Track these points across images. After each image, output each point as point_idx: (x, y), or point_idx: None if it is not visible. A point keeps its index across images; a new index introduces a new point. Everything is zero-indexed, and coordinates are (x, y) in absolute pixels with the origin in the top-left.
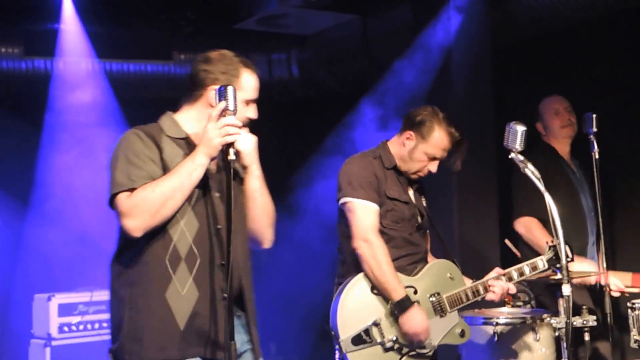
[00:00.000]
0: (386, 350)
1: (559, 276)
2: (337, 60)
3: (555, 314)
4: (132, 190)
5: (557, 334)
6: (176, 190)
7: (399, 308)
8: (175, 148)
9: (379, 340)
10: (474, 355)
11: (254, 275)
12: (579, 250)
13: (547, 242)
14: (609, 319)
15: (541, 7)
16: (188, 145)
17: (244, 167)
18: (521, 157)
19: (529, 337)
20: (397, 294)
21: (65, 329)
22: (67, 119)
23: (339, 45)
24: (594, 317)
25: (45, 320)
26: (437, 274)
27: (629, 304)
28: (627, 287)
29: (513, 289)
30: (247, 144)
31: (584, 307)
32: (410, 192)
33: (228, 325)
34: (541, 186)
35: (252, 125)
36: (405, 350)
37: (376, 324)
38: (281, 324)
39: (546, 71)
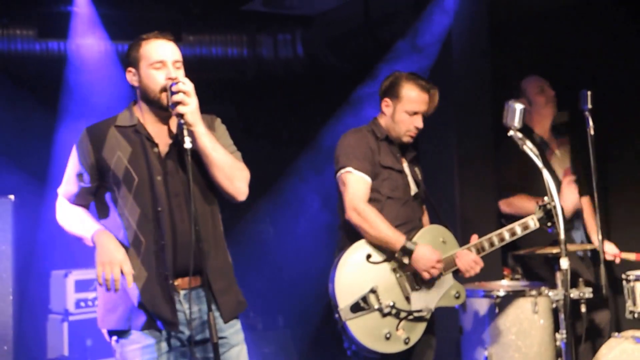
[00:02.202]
0: (384, 315)
1: (556, 250)
2: (340, 40)
3: (553, 286)
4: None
5: (554, 305)
6: (74, 236)
7: (406, 253)
8: (120, 141)
9: (376, 306)
10: (474, 327)
11: (261, 249)
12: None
13: (537, 202)
14: (604, 290)
15: None
16: (135, 132)
17: (191, 132)
18: (520, 135)
19: (528, 309)
20: (399, 243)
21: (82, 304)
22: (81, 99)
23: (343, 25)
24: (590, 290)
25: (63, 295)
26: (430, 239)
27: (623, 276)
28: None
29: (479, 261)
30: (188, 107)
31: (581, 279)
32: (405, 164)
33: (207, 298)
34: (539, 162)
35: (260, 103)
36: (403, 314)
37: (373, 291)
38: (288, 297)
39: (543, 49)
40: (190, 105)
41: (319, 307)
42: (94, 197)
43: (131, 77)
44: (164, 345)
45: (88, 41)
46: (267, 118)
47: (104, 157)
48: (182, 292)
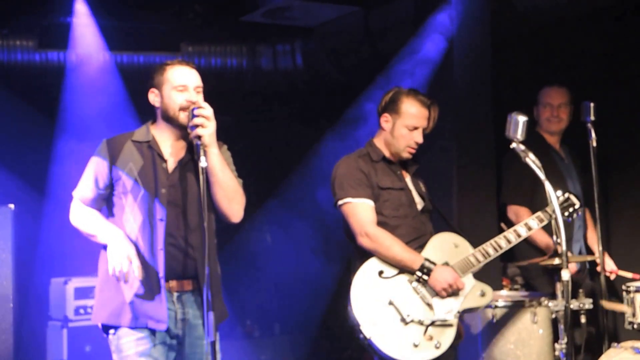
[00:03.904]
0: (407, 324)
1: (556, 261)
2: (340, 52)
3: (552, 296)
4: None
5: (554, 316)
6: (88, 236)
7: (424, 273)
8: (134, 154)
9: (398, 318)
10: (473, 337)
11: (258, 257)
12: (565, 233)
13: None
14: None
15: None
16: (149, 147)
17: (205, 151)
18: (522, 147)
19: (527, 319)
20: (417, 263)
21: (82, 311)
22: (80, 109)
23: (342, 36)
24: (590, 301)
25: (62, 303)
26: (442, 246)
27: (623, 287)
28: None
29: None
30: (207, 130)
31: (581, 290)
32: (407, 179)
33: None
34: (542, 175)
35: (259, 113)
36: (426, 322)
37: (391, 304)
38: (285, 305)
39: (545, 61)
40: (209, 128)
41: (316, 315)
42: (105, 203)
43: (153, 97)
44: (157, 336)
45: (88, 52)
46: (266, 129)
47: (117, 166)
48: (175, 294)
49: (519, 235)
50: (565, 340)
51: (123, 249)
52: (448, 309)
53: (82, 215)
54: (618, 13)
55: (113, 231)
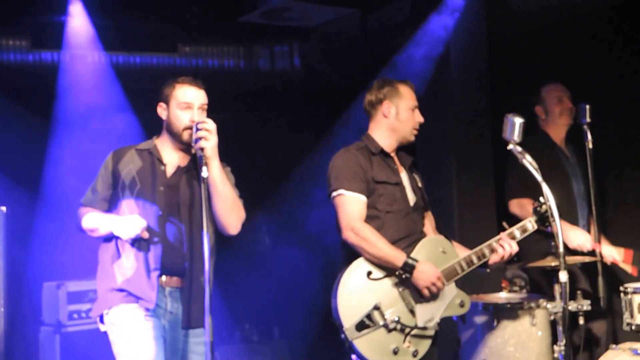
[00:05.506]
0: (390, 331)
1: (554, 263)
2: (338, 53)
3: (551, 298)
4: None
5: (552, 317)
6: (92, 231)
7: (406, 270)
8: (135, 159)
9: (381, 322)
10: (472, 339)
11: (256, 259)
12: None
13: (533, 204)
14: (602, 303)
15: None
16: (149, 153)
17: (207, 164)
18: (519, 149)
19: (526, 321)
20: (399, 260)
21: (75, 316)
22: (74, 111)
23: (340, 37)
24: (589, 302)
25: (55, 307)
26: (430, 250)
27: (621, 288)
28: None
29: (516, 249)
30: (209, 143)
31: (579, 291)
32: (403, 175)
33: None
34: (538, 176)
35: (256, 114)
36: (407, 330)
37: (377, 308)
38: (284, 308)
39: (541, 62)
40: (211, 142)
41: (315, 319)
42: (108, 204)
43: (161, 111)
44: (150, 312)
45: (82, 52)
46: (263, 129)
47: (118, 168)
48: (167, 289)
49: (501, 245)
50: (564, 342)
51: (129, 218)
52: (430, 316)
53: (85, 215)
54: (613, 14)
55: (114, 216)
